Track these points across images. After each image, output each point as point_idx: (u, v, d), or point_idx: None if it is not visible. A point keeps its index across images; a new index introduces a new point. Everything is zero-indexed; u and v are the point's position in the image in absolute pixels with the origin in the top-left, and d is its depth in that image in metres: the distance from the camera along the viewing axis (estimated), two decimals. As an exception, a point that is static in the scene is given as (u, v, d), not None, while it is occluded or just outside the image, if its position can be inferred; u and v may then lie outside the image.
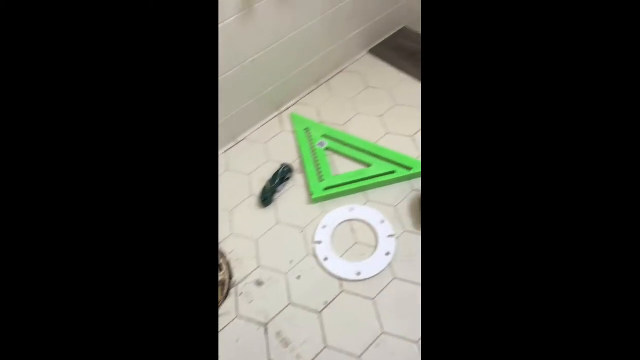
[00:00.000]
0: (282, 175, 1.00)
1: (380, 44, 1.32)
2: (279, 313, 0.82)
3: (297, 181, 1.02)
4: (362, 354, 0.75)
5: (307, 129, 1.11)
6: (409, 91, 1.17)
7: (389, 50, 1.30)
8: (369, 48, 1.31)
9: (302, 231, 0.93)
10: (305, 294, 0.84)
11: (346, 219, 0.93)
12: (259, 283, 0.86)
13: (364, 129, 1.10)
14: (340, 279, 0.85)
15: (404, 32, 1.35)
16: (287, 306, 0.83)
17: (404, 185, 0.98)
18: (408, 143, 1.06)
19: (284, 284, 0.86)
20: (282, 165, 1.02)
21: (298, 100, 1.20)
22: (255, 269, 0.88)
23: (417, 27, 1.33)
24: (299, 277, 0.86)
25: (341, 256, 0.88)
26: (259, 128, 1.15)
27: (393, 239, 0.88)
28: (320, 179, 0.99)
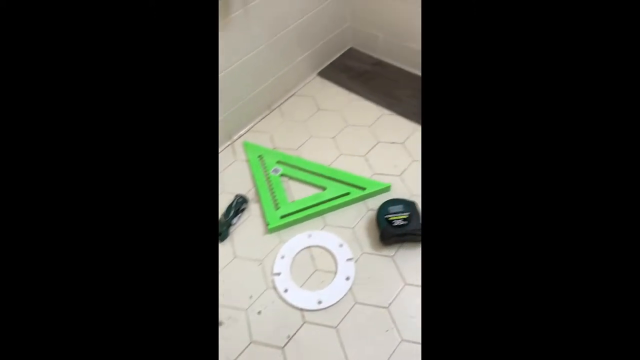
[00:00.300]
0: (237, 207, 0.97)
1: (329, 65, 1.35)
2: (241, 354, 0.79)
3: (252, 211, 1.00)
4: (329, 387, 0.73)
5: (260, 157, 1.10)
6: (359, 111, 1.19)
7: (337, 71, 1.32)
8: (318, 71, 1.33)
9: (260, 263, 0.90)
10: (267, 329, 0.81)
11: (305, 246, 0.92)
12: (219, 323, 0.83)
13: (317, 151, 1.10)
14: (301, 309, 0.83)
15: (350, 53, 1.38)
16: (248, 345, 0.79)
17: (360, 205, 0.98)
18: (361, 163, 1.07)
19: (244, 321, 0.82)
20: (236, 196, 1.00)
21: (250, 128, 1.19)
22: (214, 309, 0.85)
23: (363, 48, 1.37)
24: (259, 313, 0.83)
25: (301, 286, 0.86)
26: (211, 159, 1.13)
27: (352, 262, 0.88)
28: (276, 207, 0.98)
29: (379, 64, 1.32)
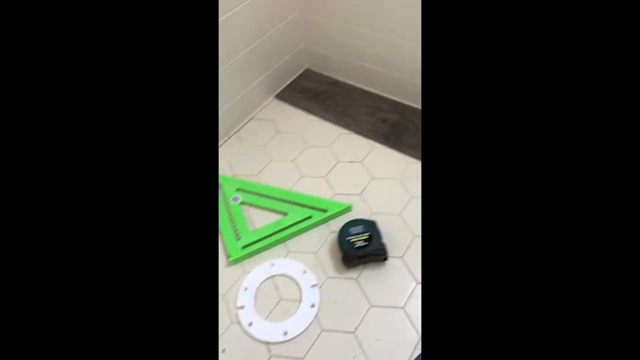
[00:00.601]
0: (196, 241, 0.94)
1: (286, 88, 1.35)
2: (206, 397, 0.75)
3: (213, 243, 0.97)
4: (299, 422, 0.71)
5: (219, 185, 1.08)
6: (318, 132, 1.20)
7: (294, 93, 1.33)
8: (275, 93, 1.33)
9: (223, 298, 0.88)
10: (232, 368, 0.78)
11: (268, 276, 0.90)
12: None
13: (278, 176, 1.10)
14: (267, 343, 0.80)
15: (306, 74, 1.39)
16: (213, 387, 0.76)
17: (322, 228, 0.98)
18: (322, 184, 1.07)
19: (208, 362, 0.79)
20: (196, 229, 0.97)
21: (208, 156, 1.17)
22: (176, 351, 0.81)
23: (319, 68, 1.39)
24: (223, 351, 0.80)
25: (266, 318, 0.84)
26: (169, 191, 1.09)
27: (316, 288, 0.87)
28: (237, 238, 0.96)
29: (335, 83, 1.34)
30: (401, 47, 1.12)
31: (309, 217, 0.98)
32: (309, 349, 0.79)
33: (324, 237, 0.96)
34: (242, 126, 1.25)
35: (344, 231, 0.90)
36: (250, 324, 0.83)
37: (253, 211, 1.02)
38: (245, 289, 0.88)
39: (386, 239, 0.90)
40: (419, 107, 1.21)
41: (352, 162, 1.11)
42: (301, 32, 1.32)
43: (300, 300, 0.85)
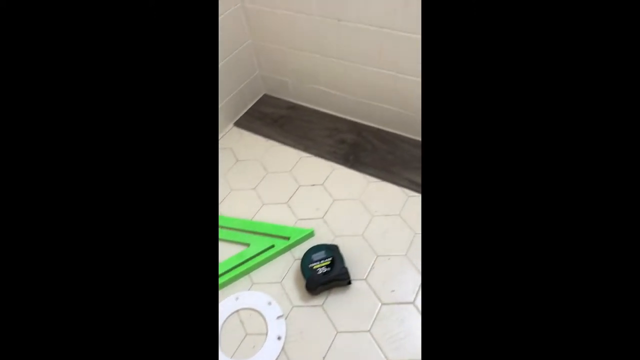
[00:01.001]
0: (157, 281, 0.92)
1: (244, 115, 1.35)
2: None
3: (175, 282, 0.95)
4: None
5: (180, 221, 1.06)
6: (278, 157, 1.20)
7: (253, 119, 1.33)
8: (234, 121, 1.33)
9: (186, 339, 0.85)
10: (198, 414, 0.75)
11: (233, 310, 0.88)
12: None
13: (239, 206, 1.09)
14: (234, 383, 0.78)
15: (264, 100, 1.40)
16: None
17: (286, 256, 0.97)
18: (284, 210, 1.06)
19: (173, 410, 0.76)
20: (156, 269, 0.94)
21: (168, 190, 1.15)
22: (139, 402, 0.78)
23: (276, 93, 1.40)
24: (189, 396, 0.77)
25: (232, 356, 0.82)
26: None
27: (282, 319, 0.85)
28: (200, 274, 0.94)
29: (293, 107, 1.35)
30: (350, 70, 1.15)
31: (272, 247, 0.97)
32: (277, 384, 0.77)
33: (288, 265, 0.95)
34: (202, 157, 1.23)
35: (306, 259, 0.90)
36: (216, 365, 0.80)
37: (215, 244, 1.01)
38: (210, 328, 0.86)
39: (349, 261, 0.90)
40: (375, 125, 1.24)
41: (313, 185, 1.11)
42: (255, 59, 1.33)
43: (266, 334, 0.84)
